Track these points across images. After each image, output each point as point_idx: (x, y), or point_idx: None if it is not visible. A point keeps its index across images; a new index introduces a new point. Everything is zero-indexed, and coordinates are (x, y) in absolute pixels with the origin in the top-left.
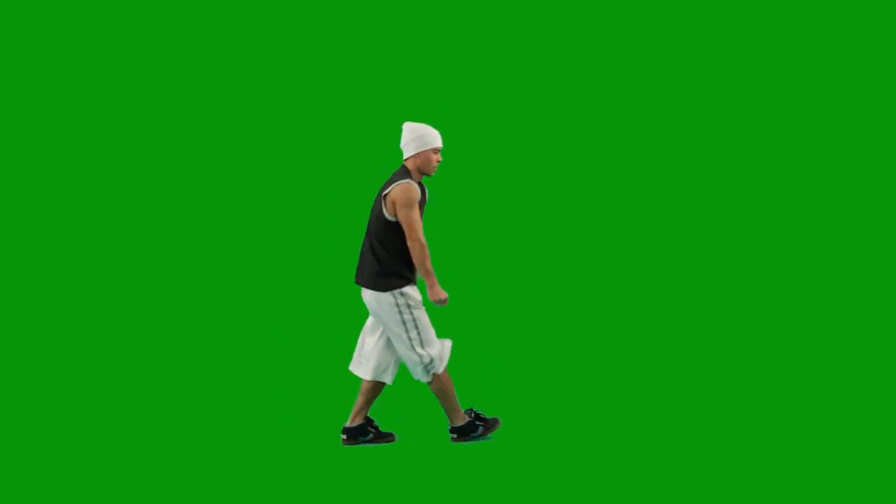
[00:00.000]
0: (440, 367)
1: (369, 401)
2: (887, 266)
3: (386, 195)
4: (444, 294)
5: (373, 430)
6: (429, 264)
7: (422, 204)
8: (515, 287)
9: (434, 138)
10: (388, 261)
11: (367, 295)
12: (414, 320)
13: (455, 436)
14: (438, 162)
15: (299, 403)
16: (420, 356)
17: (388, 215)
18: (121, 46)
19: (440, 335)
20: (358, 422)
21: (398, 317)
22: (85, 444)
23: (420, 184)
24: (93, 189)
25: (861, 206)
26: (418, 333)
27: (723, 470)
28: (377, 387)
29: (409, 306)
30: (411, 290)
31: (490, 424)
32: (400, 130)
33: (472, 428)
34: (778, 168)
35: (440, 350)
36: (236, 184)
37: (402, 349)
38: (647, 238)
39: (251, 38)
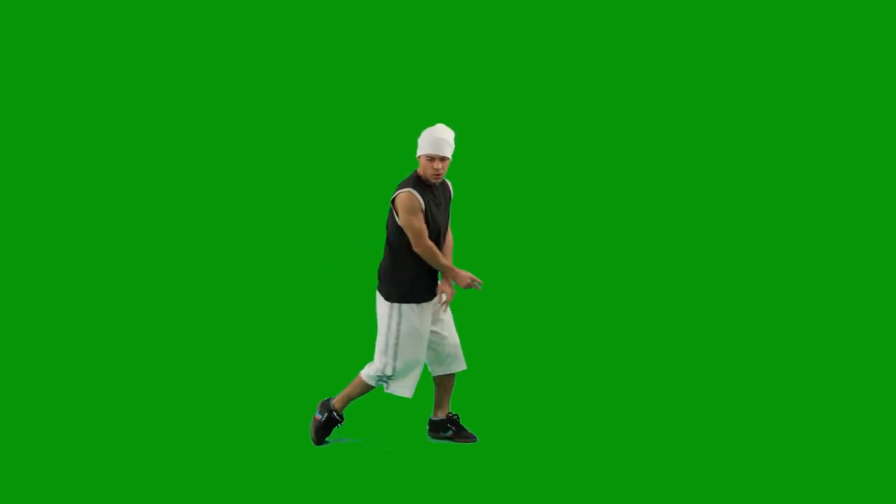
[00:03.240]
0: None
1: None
2: (887, 266)
3: (393, 199)
4: (467, 278)
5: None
6: (442, 261)
7: (433, 207)
8: (511, 287)
9: (425, 145)
10: (391, 263)
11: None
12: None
13: (317, 419)
14: (438, 171)
15: (300, 403)
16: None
17: (397, 219)
18: (116, 44)
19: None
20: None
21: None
22: (86, 445)
23: (430, 185)
24: (93, 189)
25: (861, 206)
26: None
27: (720, 472)
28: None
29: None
30: (408, 310)
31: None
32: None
33: (329, 422)
34: (779, 168)
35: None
36: (237, 184)
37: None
38: (645, 240)
39: (251, 37)
